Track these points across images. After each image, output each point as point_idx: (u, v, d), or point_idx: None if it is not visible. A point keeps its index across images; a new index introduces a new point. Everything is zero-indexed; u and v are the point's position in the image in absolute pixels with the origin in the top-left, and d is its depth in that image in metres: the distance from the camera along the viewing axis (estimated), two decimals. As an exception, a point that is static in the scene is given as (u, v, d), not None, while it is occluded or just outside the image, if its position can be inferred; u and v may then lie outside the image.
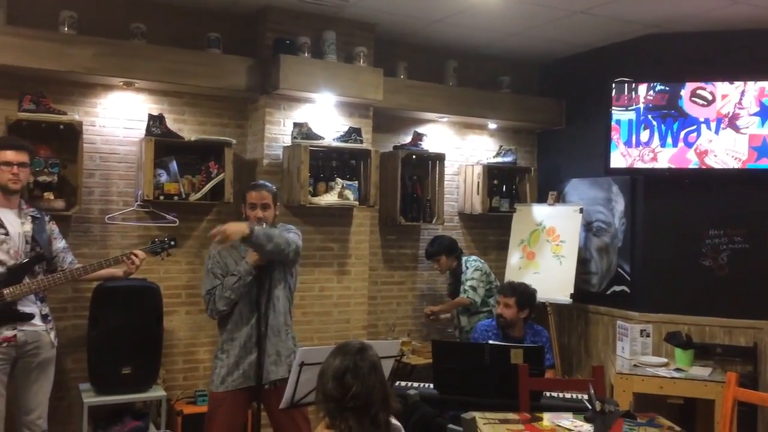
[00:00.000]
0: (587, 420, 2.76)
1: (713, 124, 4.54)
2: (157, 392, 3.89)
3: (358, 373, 2.06)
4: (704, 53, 4.67)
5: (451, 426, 2.75)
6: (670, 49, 4.75)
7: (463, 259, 4.85)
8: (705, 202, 4.65)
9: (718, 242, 4.60)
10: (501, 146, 5.49)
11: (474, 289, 4.66)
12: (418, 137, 5.03)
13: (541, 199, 5.37)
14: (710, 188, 4.63)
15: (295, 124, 4.33)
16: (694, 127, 4.58)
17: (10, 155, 3.24)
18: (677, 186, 4.69)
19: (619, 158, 4.72)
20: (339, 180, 4.41)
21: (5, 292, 3.15)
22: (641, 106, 4.67)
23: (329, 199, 4.35)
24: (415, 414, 3.08)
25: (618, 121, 4.71)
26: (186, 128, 4.32)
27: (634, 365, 4.17)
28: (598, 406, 2.63)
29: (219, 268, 3.26)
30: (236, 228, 3.05)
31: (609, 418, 2.59)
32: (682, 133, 4.60)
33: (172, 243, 3.60)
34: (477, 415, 2.85)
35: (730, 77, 4.50)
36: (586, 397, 3.01)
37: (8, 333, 3.20)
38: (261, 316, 3.18)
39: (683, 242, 4.67)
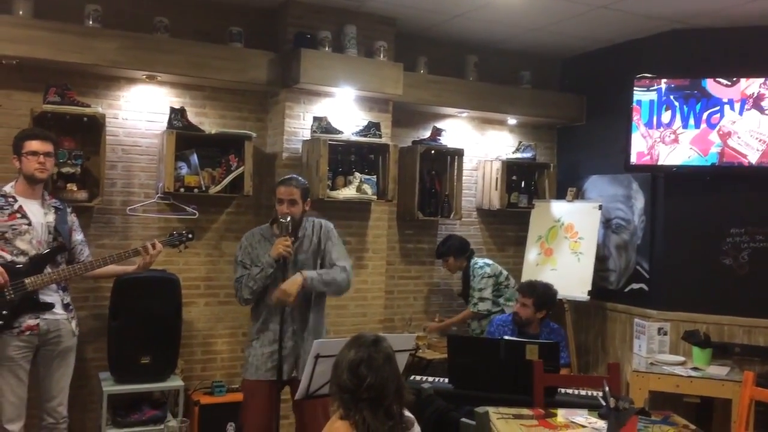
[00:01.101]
0: (601, 417, 2.76)
1: (737, 105, 4.46)
2: (175, 382, 3.95)
3: (372, 365, 2.08)
4: (725, 49, 4.61)
5: (464, 420, 2.76)
6: (691, 45, 4.70)
7: (472, 261, 4.86)
8: (726, 200, 4.60)
9: (739, 240, 4.55)
10: (520, 142, 5.47)
11: (483, 300, 4.70)
12: (437, 132, 5.04)
13: (560, 195, 5.35)
14: (731, 186, 4.58)
15: (315, 118, 4.36)
16: (717, 108, 4.50)
17: (36, 145, 3.31)
18: (698, 183, 4.64)
19: (639, 141, 4.66)
20: (357, 174, 4.43)
21: (26, 281, 3.22)
22: (663, 86, 4.61)
23: (347, 193, 4.37)
24: (429, 408, 3.10)
25: (639, 102, 4.65)
26: (207, 121, 4.37)
27: (651, 363, 4.15)
28: (612, 402, 2.62)
29: (248, 258, 3.31)
30: (291, 286, 3.14)
31: (623, 415, 2.58)
32: (705, 114, 4.53)
33: (191, 236, 3.65)
34: (491, 409, 2.86)
35: (752, 73, 4.44)
36: (600, 394, 3.01)
37: (31, 322, 3.27)
38: (287, 309, 3.22)
39: (703, 240, 4.63)
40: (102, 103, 4.09)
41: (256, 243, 3.34)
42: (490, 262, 4.92)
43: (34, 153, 3.30)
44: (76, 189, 3.86)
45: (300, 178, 3.43)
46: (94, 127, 3.91)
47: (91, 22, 3.92)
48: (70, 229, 3.49)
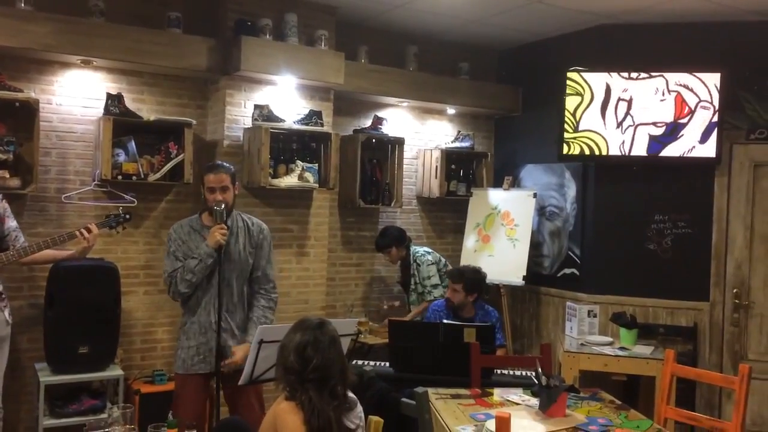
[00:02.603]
0: (534, 394, 2.90)
1: (659, 98, 4.73)
2: (114, 371, 3.90)
3: (318, 347, 2.15)
4: (648, 44, 4.83)
5: (404, 400, 2.86)
6: (621, 40, 4.91)
7: (412, 249, 4.96)
8: (651, 188, 4.84)
9: (663, 227, 4.81)
10: (459, 131, 5.60)
11: (435, 286, 4.82)
12: (378, 121, 5.10)
13: (497, 183, 5.52)
14: (656, 175, 4.83)
15: (256, 106, 4.35)
16: (644, 101, 4.76)
17: None
18: (626, 173, 4.87)
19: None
20: (299, 162, 4.45)
21: (-41, 271, 3.14)
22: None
23: (289, 181, 4.40)
24: (371, 389, 3.19)
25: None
26: (145, 108, 4.30)
27: (581, 344, 4.35)
28: (544, 381, 2.77)
29: (180, 251, 3.28)
30: (243, 355, 3.12)
31: (554, 392, 2.72)
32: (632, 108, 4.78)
33: (127, 216, 3.62)
34: (430, 390, 2.96)
35: (672, 68, 4.68)
36: (534, 374, 3.16)
37: (-38, 312, 3.19)
38: (222, 299, 3.22)
39: (630, 227, 4.87)
40: (35, 88, 3.98)
41: (185, 235, 3.31)
42: (429, 249, 5.05)
43: None
44: (8, 176, 3.75)
45: (226, 163, 3.42)
46: (27, 112, 3.80)
47: (23, 5, 3.80)
48: (2, 216, 3.40)
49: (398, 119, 5.41)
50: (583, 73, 4.82)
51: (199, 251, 3.21)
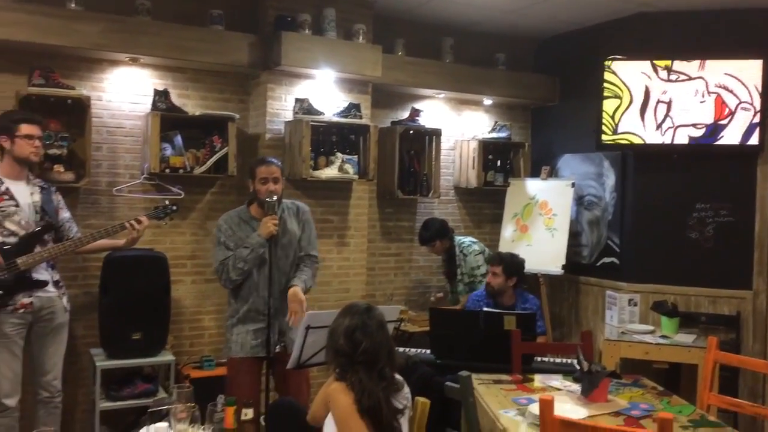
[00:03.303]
0: (575, 380, 2.93)
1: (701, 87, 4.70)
2: (165, 357, 4.05)
3: (366, 330, 2.24)
4: (689, 32, 4.79)
5: (448, 383, 2.92)
6: (660, 28, 4.87)
7: (456, 239, 4.99)
8: (692, 177, 4.81)
9: (704, 215, 4.77)
10: (496, 122, 5.62)
11: (485, 275, 4.83)
12: (415, 113, 5.16)
13: (535, 173, 5.53)
14: (697, 163, 4.79)
15: (297, 100, 4.45)
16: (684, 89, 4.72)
17: (32, 129, 3.38)
18: (666, 162, 4.84)
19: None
20: (339, 154, 4.54)
21: (19, 261, 3.30)
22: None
23: (330, 172, 4.48)
24: (415, 373, 3.26)
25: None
26: (190, 103, 4.43)
27: (622, 333, 4.36)
28: (585, 366, 2.81)
29: (230, 240, 3.38)
30: (301, 300, 3.26)
31: (595, 378, 2.76)
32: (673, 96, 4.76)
33: (174, 208, 3.75)
34: (473, 376, 3.02)
35: (714, 56, 4.63)
36: (575, 361, 3.19)
37: (25, 300, 3.36)
38: (273, 286, 3.33)
39: (671, 215, 4.84)
40: (86, 86, 4.14)
41: (235, 226, 3.41)
42: (474, 239, 5.07)
43: (30, 137, 3.36)
44: (62, 170, 3.91)
45: (274, 158, 3.53)
46: (79, 109, 3.95)
47: (73, 5, 3.94)
48: (56, 207, 3.56)
49: (435, 110, 5.46)
50: (621, 75, 4.81)
51: (250, 241, 3.31)
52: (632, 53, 4.85)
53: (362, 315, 2.28)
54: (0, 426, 3.33)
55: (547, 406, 2.17)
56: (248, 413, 2.17)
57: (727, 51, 4.64)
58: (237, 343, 3.40)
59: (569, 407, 2.62)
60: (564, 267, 5.03)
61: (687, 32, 4.80)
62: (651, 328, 4.41)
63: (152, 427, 2.00)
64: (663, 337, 4.26)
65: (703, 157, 4.77)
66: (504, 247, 5.29)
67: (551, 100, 5.68)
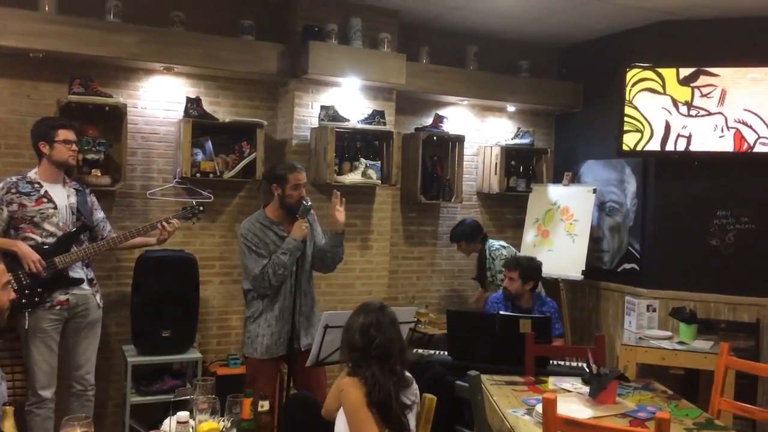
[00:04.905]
0: (585, 382, 3.01)
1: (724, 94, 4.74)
2: (193, 354, 4.22)
3: (380, 327, 2.38)
4: (713, 40, 4.81)
5: (458, 382, 3.03)
6: (684, 36, 4.90)
7: (487, 244, 5.05)
8: (714, 184, 4.83)
9: (725, 222, 4.79)
10: (519, 128, 5.69)
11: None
12: (439, 119, 5.27)
13: (557, 179, 5.59)
14: (719, 171, 4.81)
15: (322, 107, 4.59)
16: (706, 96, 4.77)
17: (70, 134, 3.57)
18: (687, 168, 4.87)
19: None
20: (363, 160, 4.67)
21: (56, 260, 3.49)
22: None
23: (353, 178, 4.62)
24: (428, 372, 3.37)
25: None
26: (220, 110, 4.61)
27: (640, 338, 4.40)
28: (594, 369, 2.89)
29: (263, 247, 3.50)
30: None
31: (604, 379, 2.84)
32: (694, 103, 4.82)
33: (201, 209, 3.93)
34: (485, 377, 3.12)
35: (737, 63, 4.65)
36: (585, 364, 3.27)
37: (62, 297, 3.54)
38: (298, 288, 3.49)
39: (692, 222, 4.86)
40: (122, 93, 4.34)
41: (259, 232, 3.53)
42: (505, 244, 5.10)
43: (67, 141, 3.56)
44: (99, 174, 4.11)
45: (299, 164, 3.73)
46: (116, 115, 4.15)
47: (112, 17, 4.14)
48: (91, 209, 3.74)
49: (459, 117, 5.55)
50: (643, 109, 4.88)
51: (287, 246, 3.45)
52: (656, 61, 4.89)
53: (376, 312, 2.42)
54: (37, 416, 3.52)
55: (549, 404, 2.27)
56: (264, 405, 2.31)
57: (752, 59, 4.65)
58: (263, 344, 3.51)
59: (575, 407, 2.70)
60: (584, 272, 5.07)
61: (711, 40, 4.82)
62: (669, 334, 4.44)
63: (175, 415, 2.15)
64: (680, 343, 4.28)
65: (724, 164, 4.78)
66: (525, 252, 5.35)
67: (575, 107, 5.73)
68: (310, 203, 3.49)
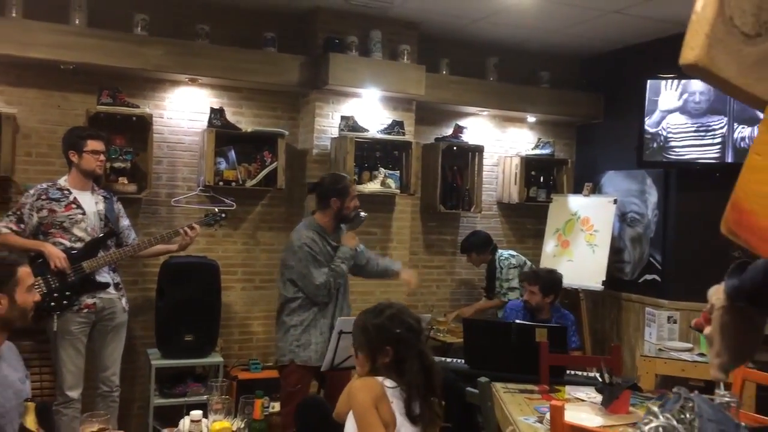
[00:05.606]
0: (598, 391, 3.02)
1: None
2: (215, 359, 4.31)
3: (402, 315, 2.45)
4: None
5: (469, 389, 3.06)
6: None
7: (497, 254, 5.09)
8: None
9: (747, 234, 4.73)
10: (539, 139, 5.71)
11: (511, 290, 4.94)
12: (458, 130, 5.31)
13: (577, 190, 5.58)
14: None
15: (343, 117, 4.67)
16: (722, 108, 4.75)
17: (98, 145, 3.71)
18: (709, 179, 4.84)
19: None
20: (382, 169, 4.74)
21: (84, 265, 3.61)
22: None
23: (373, 187, 4.69)
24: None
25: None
26: (243, 120, 4.72)
27: (659, 349, 4.37)
28: (606, 378, 2.90)
29: (322, 255, 3.56)
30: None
31: (616, 389, 2.84)
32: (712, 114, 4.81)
33: (223, 215, 4.04)
34: (499, 385, 3.14)
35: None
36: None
37: (89, 301, 3.66)
38: (338, 298, 3.61)
39: (713, 233, 4.68)
40: (149, 104, 4.47)
41: (319, 241, 3.58)
42: (514, 253, 5.16)
43: (96, 152, 3.69)
44: (126, 182, 4.24)
45: None
46: (143, 125, 4.29)
47: (139, 30, 4.29)
48: (117, 215, 3.87)
49: (479, 127, 5.59)
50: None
51: (343, 255, 3.56)
52: (676, 72, 4.87)
53: (393, 307, 2.50)
54: (64, 416, 3.63)
55: (557, 411, 2.30)
56: (275, 406, 2.37)
57: None
58: (317, 352, 3.51)
59: (585, 416, 2.72)
60: (604, 283, 5.06)
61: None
62: (689, 345, 4.41)
63: (189, 414, 2.23)
64: (700, 354, 4.25)
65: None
66: (545, 262, 5.37)
67: (596, 118, 5.73)
68: (365, 214, 3.60)
